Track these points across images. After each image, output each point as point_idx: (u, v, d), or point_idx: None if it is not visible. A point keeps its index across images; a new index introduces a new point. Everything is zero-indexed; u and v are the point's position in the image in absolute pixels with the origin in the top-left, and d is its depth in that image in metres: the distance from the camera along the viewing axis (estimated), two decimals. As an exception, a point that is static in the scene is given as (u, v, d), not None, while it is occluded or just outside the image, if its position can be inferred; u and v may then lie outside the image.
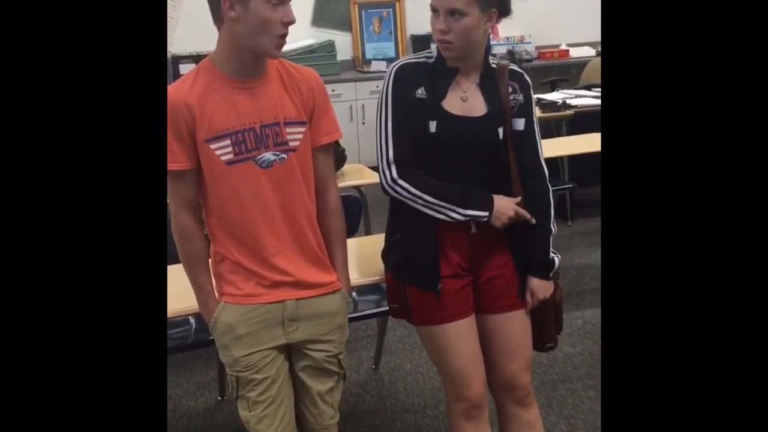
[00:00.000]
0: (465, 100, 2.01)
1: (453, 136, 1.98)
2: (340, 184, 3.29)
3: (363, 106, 6.28)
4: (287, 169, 1.89)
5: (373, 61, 6.64)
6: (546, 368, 3.17)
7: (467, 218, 1.97)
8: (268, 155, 1.86)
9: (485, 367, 2.09)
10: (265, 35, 1.77)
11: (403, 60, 2.04)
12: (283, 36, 1.80)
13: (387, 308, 2.25)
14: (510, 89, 2.04)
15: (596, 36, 6.92)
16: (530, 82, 2.10)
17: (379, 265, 2.18)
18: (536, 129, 2.09)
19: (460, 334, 2.03)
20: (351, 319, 2.76)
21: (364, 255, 2.46)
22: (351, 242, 2.79)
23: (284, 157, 1.87)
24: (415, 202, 1.97)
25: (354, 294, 2.84)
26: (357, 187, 3.49)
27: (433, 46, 2.03)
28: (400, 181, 1.96)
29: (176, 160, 1.82)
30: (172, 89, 1.81)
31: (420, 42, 6.54)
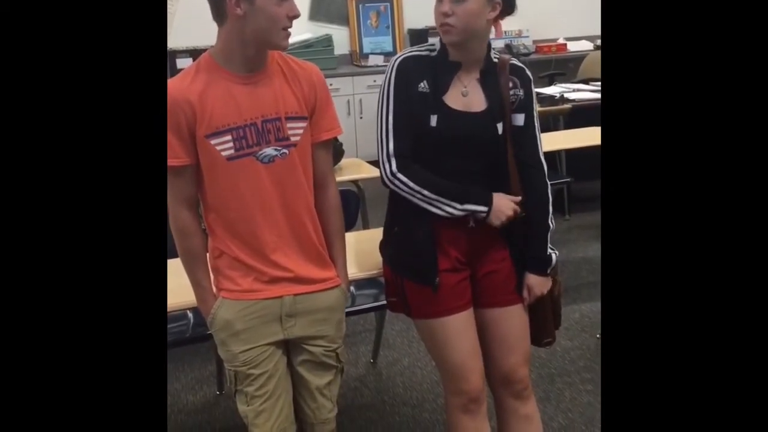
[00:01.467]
0: (466, 95, 2.01)
1: (453, 131, 1.98)
2: (338, 179, 3.29)
3: (360, 101, 6.28)
4: (288, 165, 1.88)
5: (370, 56, 6.64)
6: (544, 362, 3.18)
7: (465, 213, 1.97)
8: (270, 150, 1.86)
9: (483, 361, 2.09)
10: (273, 30, 1.79)
11: (405, 52, 2.04)
12: (287, 29, 1.82)
13: (385, 302, 2.25)
14: (511, 84, 2.04)
15: (594, 30, 6.92)
16: (531, 77, 2.10)
17: (377, 259, 2.19)
18: (536, 124, 2.08)
19: (459, 328, 2.04)
20: (349, 313, 2.77)
21: (362, 249, 2.46)
22: (349, 236, 2.79)
23: (285, 153, 1.87)
24: (414, 197, 1.97)
25: (352, 288, 2.84)
26: (355, 182, 3.49)
27: (436, 40, 2.03)
28: (400, 175, 1.96)
29: (175, 155, 1.81)
30: (173, 85, 1.81)
31: (417, 36, 6.54)
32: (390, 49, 6.76)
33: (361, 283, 2.80)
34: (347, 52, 6.70)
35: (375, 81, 6.25)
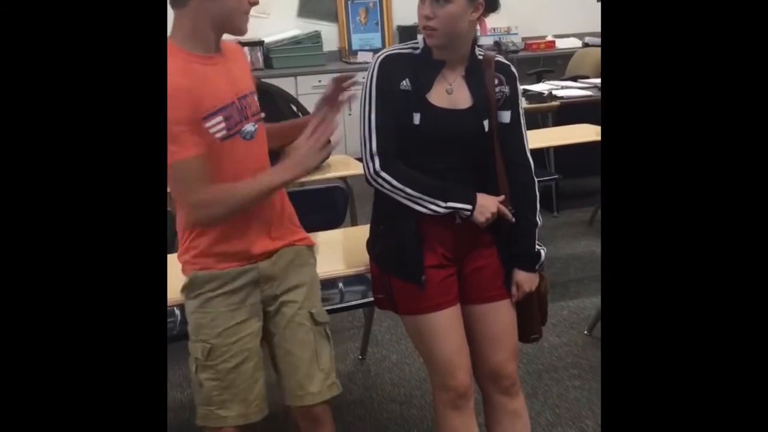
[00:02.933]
0: (450, 93, 2.01)
1: (437, 129, 1.98)
2: (326, 176, 3.30)
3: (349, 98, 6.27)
4: (261, 139, 1.92)
5: (359, 52, 6.63)
6: (532, 358, 3.19)
7: (448, 210, 1.97)
8: (249, 126, 1.87)
9: (471, 357, 2.10)
10: (237, 13, 1.80)
11: (387, 50, 2.04)
12: (248, 13, 1.83)
13: (373, 299, 2.25)
14: (496, 81, 2.04)
15: (582, 27, 6.94)
16: (517, 74, 2.10)
17: (365, 256, 2.18)
18: (522, 121, 2.09)
19: (445, 324, 2.04)
20: (337, 310, 2.77)
21: (351, 246, 2.46)
22: (337, 233, 2.80)
23: (257, 128, 1.90)
24: (397, 195, 1.97)
25: (340, 285, 2.84)
26: (343, 178, 3.48)
27: (420, 37, 2.03)
28: (383, 174, 1.97)
29: (195, 144, 1.77)
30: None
31: (407, 33, 6.54)
32: (379, 45, 6.75)
33: (349, 280, 2.80)
34: (336, 49, 6.69)
35: (364, 78, 6.23)
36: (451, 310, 2.05)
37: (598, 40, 6.71)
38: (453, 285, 2.06)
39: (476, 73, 2.03)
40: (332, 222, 2.92)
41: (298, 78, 6.08)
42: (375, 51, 6.58)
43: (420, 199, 1.97)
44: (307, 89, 6.04)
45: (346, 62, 6.58)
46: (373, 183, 2.00)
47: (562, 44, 6.87)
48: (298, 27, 6.42)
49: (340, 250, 2.61)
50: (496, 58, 2.07)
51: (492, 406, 2.17)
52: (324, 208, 2.94)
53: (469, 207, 1.98)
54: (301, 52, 6.21)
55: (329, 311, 2.18)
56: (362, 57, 6.54)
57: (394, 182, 1.97)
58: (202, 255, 1.91)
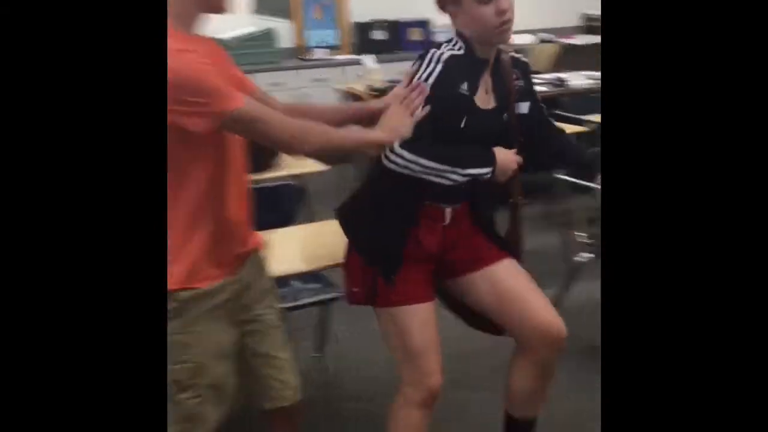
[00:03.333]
0: (488, 93, 2.01)
1: (474, 131, 1.97)
2: (278, 174, 3.27)
3: (306, 95, 6.23)
4: None
5: (315, 49, 6.60)
6: (490, 353, 3.18)
7: (468, 178, 1.94)
8: None
9: (510, 315, 2.08)
10: None
11: (447, 50, 1.95)
12: None
13: (329, 296, 2.23)
14: (514, 76, 2.07)
15: (536, 23, 7.01)
16: (530, 68, 2.16)
17: (323, 253, 2.16)
18: (543, 107, 2.15)
19: (425, 318, 2.02)
20: (293, 308, 2.74)
21: (308, 243, 2.44)
22: (293, 230, 2.77)
23: None
24: (412, 170, 1.90)
25: (293, 282, 2.82)
26: (297, 176, 3.45)
27: (451, 37, 1.99)
28: (397, 149, 1.88)
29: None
30: (184, 56, 1.60)
31: (361, 29, 6.53)
32: (334, 42, 6.72)
33: (305, 277, 2.78)
34: (292, 46, 6.65)
35: (321, 75, 6.21)
36: (430, 304, 2.04)
37: (551, 37, 6.77)
38: (432, 282, 2.06)
39: (498, 69, 2.04)
40: (283, 221, 2.88)
41: (255, 75, 6.03)
42: (331, 48, 6.58)
43: (436, 169, 1.91)
44: (263, 87, 5.98)
45: (302, 59, 6.54)
46: (386, 161, 1.91)
47: (516, 40, 6.92)
48: (253, 24, 6.37)
49: (296, 247, 2.59)
50: (511, 54, 2.08)
51: (532, 364, 2.14)
52: (274, 206, 2.91)
53: (489, 170, 1.96)
54: (255, 50, 6.16)
55: (287, 309, 2.15)
56: (318, 54, 6.52)
57: (407, 155, 1.88)
58: (194, 264, 1.75)
